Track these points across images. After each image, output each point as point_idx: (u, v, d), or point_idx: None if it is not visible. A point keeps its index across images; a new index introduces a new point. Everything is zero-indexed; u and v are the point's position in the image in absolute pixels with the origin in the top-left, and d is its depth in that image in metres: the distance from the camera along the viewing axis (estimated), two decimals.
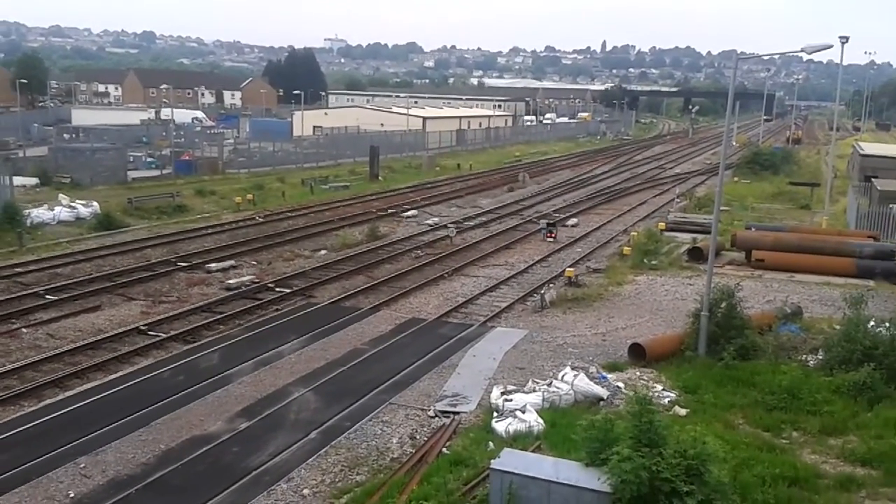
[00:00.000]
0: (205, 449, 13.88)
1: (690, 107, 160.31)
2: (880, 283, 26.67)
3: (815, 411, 14.99)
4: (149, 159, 53.17)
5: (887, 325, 17.76)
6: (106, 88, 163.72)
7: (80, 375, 17.61)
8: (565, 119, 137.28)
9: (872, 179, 41.61)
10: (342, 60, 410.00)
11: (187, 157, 53.25)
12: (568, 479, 10.12)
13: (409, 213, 41.20)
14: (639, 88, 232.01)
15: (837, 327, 18.85)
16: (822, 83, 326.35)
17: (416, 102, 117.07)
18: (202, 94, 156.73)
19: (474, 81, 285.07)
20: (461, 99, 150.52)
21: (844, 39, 39.96)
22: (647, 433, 9.99)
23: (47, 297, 23.42)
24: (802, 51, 19.90)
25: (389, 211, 41.44)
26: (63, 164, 44.97)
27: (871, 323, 17.81)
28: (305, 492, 12.53)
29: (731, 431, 14.07)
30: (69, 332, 20.71)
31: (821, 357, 17.64)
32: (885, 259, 28.28)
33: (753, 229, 32.91)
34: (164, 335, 20.48)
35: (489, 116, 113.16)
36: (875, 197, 37.32)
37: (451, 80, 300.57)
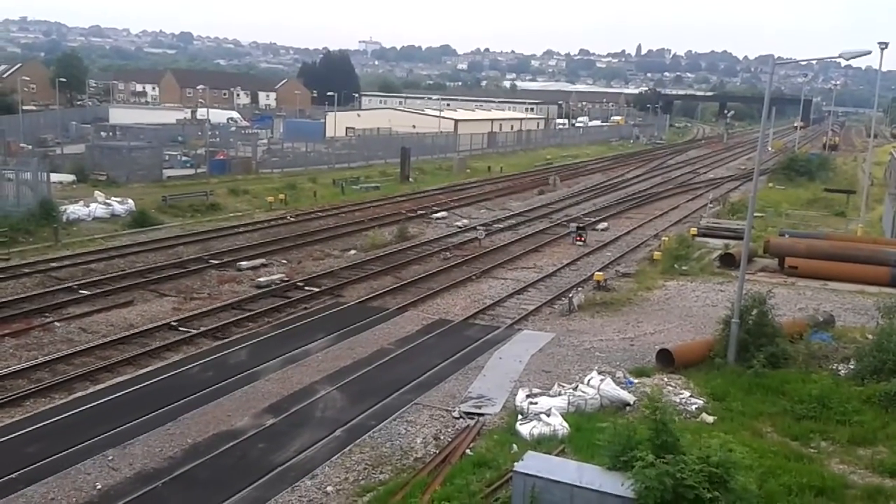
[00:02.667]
0: (231, 444, 14.02)
1: (725, 111, 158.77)
2: None
3: (844, 421, 14.76)
4: (184, 158, 53.82)
5: None
6: (143, 88, 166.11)
7: (110, 369, 17.88)
8: (598, 122, 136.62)
9: None
10: (376, 62, 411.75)
11: (222, 157, 53.81)
12: (591, 483, 10.07)
13: (438, 214, 41.27)
14: (673, 92, 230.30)
15: (870, 337, 18.56)
16: (860, 89, 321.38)
17: (448, 105, 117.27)
18: (237, 95, 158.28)
19: (507, 84, 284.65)
20: (493, 101, 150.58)
21: (884, 45, 39.29)
22: (661, 434, 9.90)
23: (81, 291, 23.82)
24: (840, 56, 19.63)
25: (419, 212, 41.54)
26: (100, 162, 45.66)
27: None
28: (329, 489, 12.60)
29: (758, 440, 13.89)
30: (101, 327, 21.04)
31: (852, 366, 17.36)
32: None
33: (787, 236, 32.49)
34: (194, 331, 20.72)
35: (521, 119, 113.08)
36: None
37: (483, 83, 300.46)
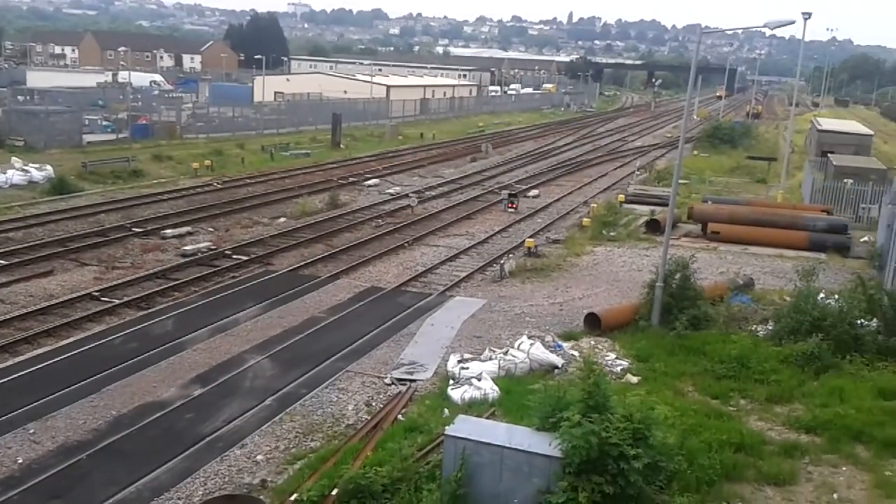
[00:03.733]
0: (157, 415, 13.77)
1: (653, 80, 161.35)
2: (831, 257, 27.25)
3: (762, 380, 15.32)
4: (105, 123, 51.98)
5: (836, 297, 18.20)
6: (62, 50, 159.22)
7: (30, 341, 17.31)
8: (530, 90, 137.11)
9: (829, 155, 42.32)
10: (306, 26, 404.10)
11: (144, 121, 52.19)
12: (520, 444, 10.22)
13: (370, 181, 40.97)
14: (603, 61, 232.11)
15: (788, 299, 19.27)
16: (783, 59, 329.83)
17: (380, 70, 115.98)
18: (161, 58, 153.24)
19: (440, 50, 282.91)
20: (426, 68, 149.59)
21: (807, 15, 40.37)
22: (594, 396, 10.14)
23: None
24: (765, 26, 20.04)
25: (351, 179, 41.16)
26: (16, 127, 43.74)
27: (821, 295, 18.23)
28: (259, 458, 12.52)
29: (680, 399, 14.34)
30: (20, 297, 20.32)
31: (770, 328, 18.01)
32: (837, 233, 28.87)
33: (710, 202, 33.34)
34: (117, 301, 20.19)
35: (454, 86, 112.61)
36: (830, 172, 37.97)
37: (416, 49, 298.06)
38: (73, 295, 20.51)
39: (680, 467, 10.94)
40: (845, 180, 34.85)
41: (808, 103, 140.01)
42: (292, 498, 10.99)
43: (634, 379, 15.32)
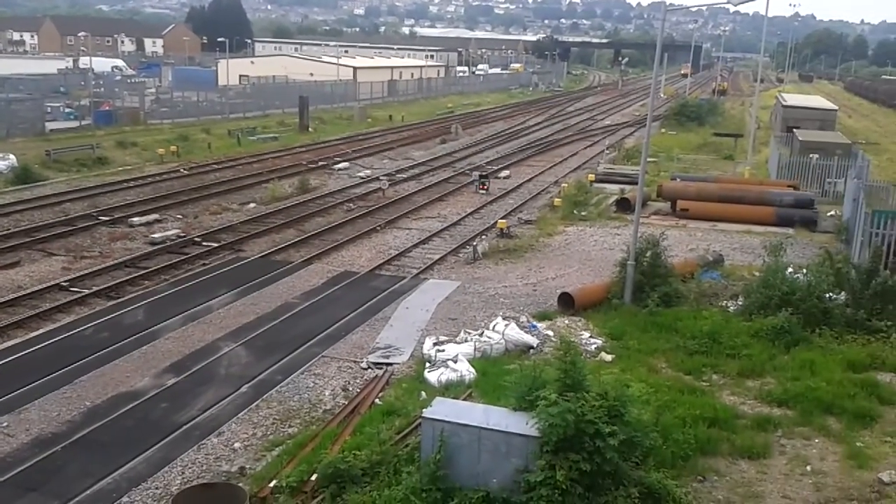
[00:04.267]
0: (132, 405, 13.65)
1: (620, 58, 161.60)
2: (799, 231, 27.64)
3: (734, 355, 15.51)
4: (67, 110, 51.05)
5: (804, 271, 18.48)
6: (21, 36, 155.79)
7: None
8: (498, 70, 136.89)
9: (794, 130, 42.76)
10: (269, 7, 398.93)
11: (107, 108, 51.35)
12: (497, 424, 10.29)
13: (340, 165, 40.72)
14: (570, 39, 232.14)
15: (757, 274, 19.50)
16: (747, 35, 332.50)
17: (346, 52, 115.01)
18: (122, 42, 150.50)
19: (406, 31, 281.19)
20: (392, 49, 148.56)
21: None
22: (570, 375, 10.23)
23: None
24: (729, 3, 20.20)
25: (320, 163, 40.88)
26: None
27: (789, 270, 18.48)
28: (236, 445, 12.48)
29: (654, 375, 14.48)
30: None
31: (740, 303, 18.23)
32: (804, 208, 29.27)
33: (678, 180, 33.61)
34: (86, 291, 19.94)
35: (421, 67, 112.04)
36: (796, 147, 38.41)
37: (382, 29, 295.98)
38: (42, 286, 20.21)
39: (655, 443, 11.08)
40: (811, 155, 35.27)
41: (773, 79, 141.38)
42: (271, 484, 10.98)
43: (608, 357, 15.46)
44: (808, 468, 11.68)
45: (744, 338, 16.13)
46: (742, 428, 12.70)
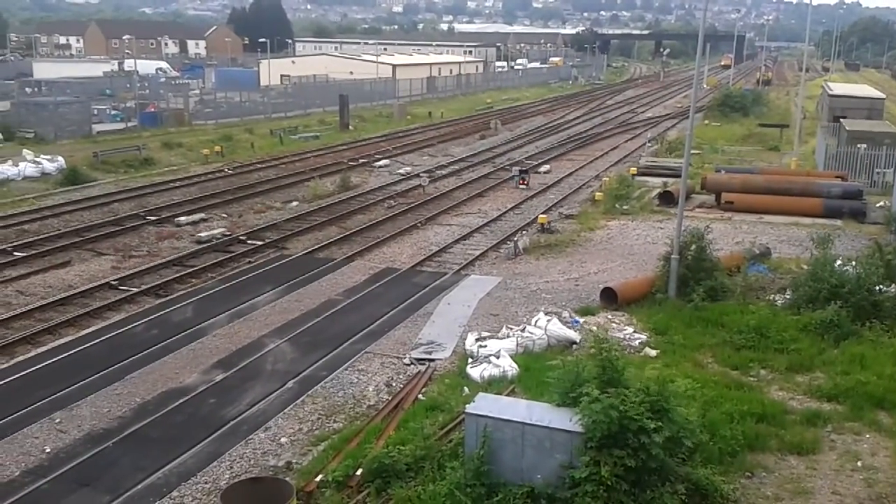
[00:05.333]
0: (181, 401, 13.91)
1: (661, 50, 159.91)
2: (847, 223, 27.07)
3: (782, 349, 15.28)
4: (113, 112, 52.12)
5: (853, 263, 18.11)
6: (67, 40, 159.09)
7: (51, 331, 17.48)
8: (537, 64, 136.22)
9: (841, 120, 41.86)
10: (308, 7, 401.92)
11: (152, 109, 52.26)
12: (541, 420, 10.28)
13: (380, 162, 40.91)
14: (610, 32, 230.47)
15: (805, 267, 19.16)
16: (791, 24, 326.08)
17: (385, 49, 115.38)
18: (165, 44, 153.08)
19: (444, 27, 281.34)
20: (431, 45, 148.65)
21: None
22: (607, 371, 10.18)
23: (15, 253, 23.11)
24: None
25: (361, 161, 41.11)
26: (26, 119, 43.94)
27: (838, 262, 18.12)
28: (283, 440, 12.64)
29: (700, 370, 14.33)
30: (39, 289, 20.50)
31: (788, 296, 17.94)
32: (852, 199, 28.65)
33: (723, 172, 33.12)
34: (135, 290, 20.34)
35: (460, 63, 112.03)
36: (843, 137, 37.60)
37: (420, 26, 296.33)
38: (92, 284, 20.67)
39: (702, 439, 10.97)
40: (859, 145, 34.50)
41: (819, 68, 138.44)
42: (318, 479, 11.11)
43: (653, 352, 15.33)
44: (859, 464, 11.47)
45: (792, 332, 15.88)
46: (791, 423, 12.52)
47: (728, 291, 18.24)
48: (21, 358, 15.95)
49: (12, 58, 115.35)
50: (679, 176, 23.27)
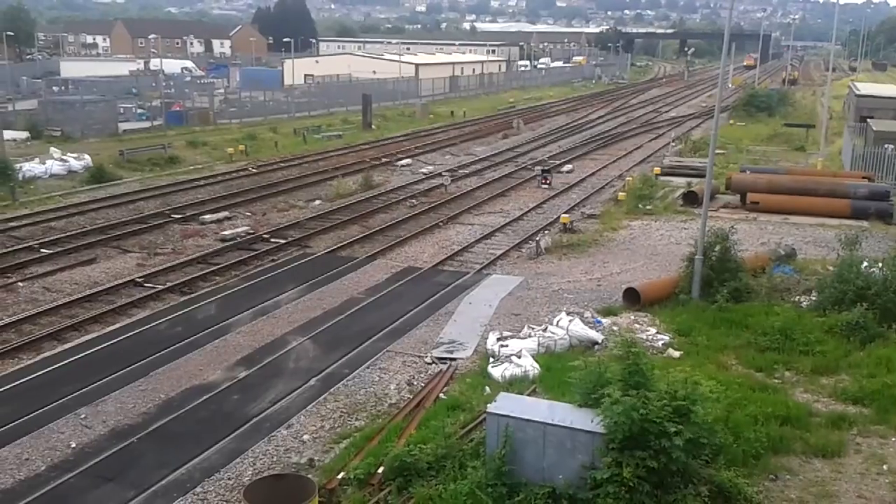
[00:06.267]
0: (205, 398, 14.02)
1: (686, 49, 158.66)
2: (874, 224, 26.71)
3: (807, 351, 15.12)
4: (139, 111, 52.62)
5: (880, 265, 17.85)
6: (94, 39, 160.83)
7: (77, 328, 17.70)
8: (560, 63, 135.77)
9: (868, 120, 41.31)
10: (332, 6, 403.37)
11: (178, 108, 52.72)
12: (563, 420, 10.25)
13: (403, 161, 40.98)
14: (634, 31, 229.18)
15: (831, 268, 18.97)
16: (817, 23, 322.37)
17: (408, 49, 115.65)
18: (191, 44, 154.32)
19: (467, 26, 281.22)
20: (454, 44, 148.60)
21: None
22: (633, 375, 10.13)
23: (42, 250, 23.41)
24: None
25: (383, 160, 41.21)
26: (53, 117, 44.52)
27: (865, 263, 17.87)
28: (305, 437, 12.71)
29: (723, 372, 14.21)
30: (65, 286, 20.75)
31: (814, 298, 17.74)
32: (879, 199, 28.29)
33: (748, 172, 32.81)
34: (160, 287, 20.53)
35: (482, 62, 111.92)
36: (870, 137, 37.11)
37: (443, 26, 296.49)
38: (117, 281, 20.90)
39: (725, 441, 10.88)
40: (886, 145, 34.03)
41: (845, 68, 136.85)
42: (339, 476, 11.15)
43: (676, 353, 15.23)
44: (885, 467, 11.33)
45: (817, 334, 15.71)
46: (816, 426, 12.39)
47: (753, 292, 18.08)
48: (47, 354, 16.16)
49: (40, 57, 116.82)
50: (703, 176, 23.12)
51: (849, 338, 15.55)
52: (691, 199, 29.73)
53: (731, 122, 58.13)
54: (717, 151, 29.79)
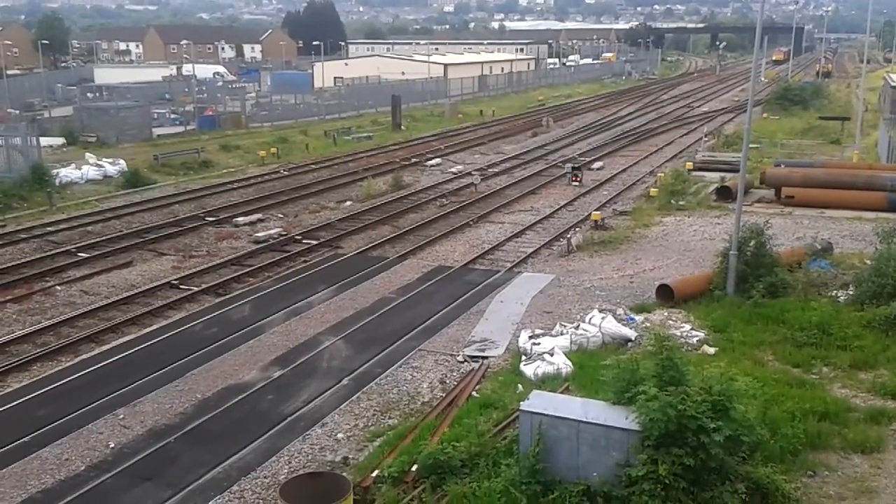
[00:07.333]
0: (240, 397, 14.16)
1: (717, 43, 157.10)
2: None
3: (845, 346, 14.90)
4: (172, 116, 53.30)
5: None
6: (127, 46, 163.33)
7: (114, 330, 17.97)
8: (589, 60, 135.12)
9: None
10: (361, 9, 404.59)
11: (210, 113, 53.30)
12: (597, 418, 10.19)
13: (432, 161, 41.05)
14: (664, 26, 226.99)
15: (868, 262, 18.65)
16: (851, 14, 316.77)
17: (436, 49, 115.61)
18: (222, 49, 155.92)
19: (495, 25, 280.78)
20: (482, 44, 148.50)
21: None
22: (668, 371, 10.04)
23: (79, 254, 23.81)
24: None
25: (413, 160, 41.31)
26: (88, 124, 45.25)
27: None
28: (339, 436, 12.78)
29: (760, 368, 14.05)
30: (102, 289, 21.08)
31: (851, 292, 17.47)
32: None
33: (783, 166, 32.41)
34: (195, 289, 20.79)
35: (511, 61, 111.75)
36: None
37: (471, 25, 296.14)
38: (153, 284, 21.18)
39: (762, 438, 10.75)
40: None
41: (880, 60, 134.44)
42: (374, 474, 11.20)
43: (711, 350, 15.08)
44: None
45: (855, 328, 15.48)
46: (854, 422, 12.20)
47: (789, 287, 17.84)
48: (86, 356, 16.43)
49: (74, 64, 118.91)
50: (736, 171, 22.87)
51: (887, 332, 15.30)
52: (725, 194, 29.42)
53: (765, 115, 57.41)
54: (751, 146, 29.44)
